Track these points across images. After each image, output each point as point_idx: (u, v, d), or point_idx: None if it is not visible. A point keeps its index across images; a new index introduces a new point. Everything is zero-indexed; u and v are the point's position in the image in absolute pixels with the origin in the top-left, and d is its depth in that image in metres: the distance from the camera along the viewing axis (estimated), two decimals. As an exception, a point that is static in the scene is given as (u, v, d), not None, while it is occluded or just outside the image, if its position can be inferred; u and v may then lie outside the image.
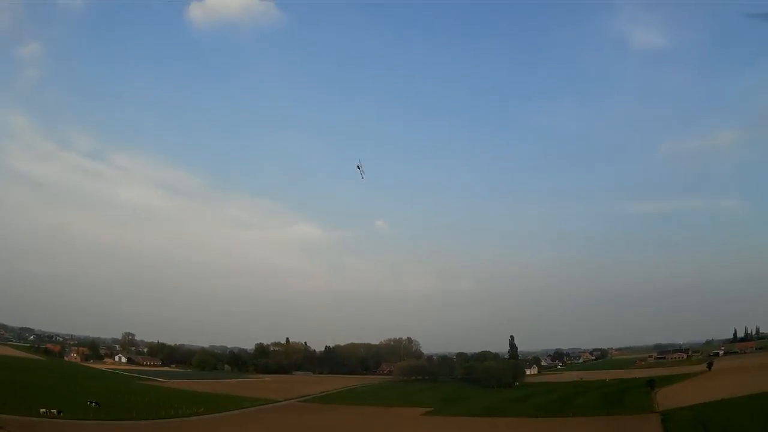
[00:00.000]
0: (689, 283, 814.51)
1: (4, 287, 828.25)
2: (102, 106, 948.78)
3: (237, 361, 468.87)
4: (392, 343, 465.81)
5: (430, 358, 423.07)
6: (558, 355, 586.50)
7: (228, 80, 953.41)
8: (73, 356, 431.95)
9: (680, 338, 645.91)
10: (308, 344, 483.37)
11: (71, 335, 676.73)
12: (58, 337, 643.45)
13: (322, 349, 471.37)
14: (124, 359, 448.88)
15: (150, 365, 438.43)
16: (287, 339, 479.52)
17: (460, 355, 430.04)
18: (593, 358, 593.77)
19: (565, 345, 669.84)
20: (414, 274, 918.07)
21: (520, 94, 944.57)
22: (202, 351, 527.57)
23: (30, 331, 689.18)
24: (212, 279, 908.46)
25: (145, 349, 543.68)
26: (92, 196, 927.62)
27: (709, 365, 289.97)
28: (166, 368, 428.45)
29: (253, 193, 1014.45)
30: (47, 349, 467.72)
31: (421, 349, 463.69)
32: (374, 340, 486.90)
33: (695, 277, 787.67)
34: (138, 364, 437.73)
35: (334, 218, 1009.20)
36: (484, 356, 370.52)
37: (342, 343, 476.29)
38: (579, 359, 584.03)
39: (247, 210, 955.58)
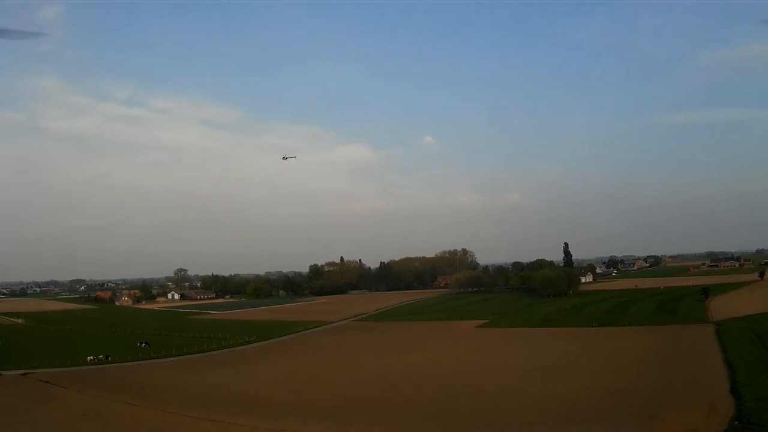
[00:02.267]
0: (740, 193, 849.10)
1: (51, 244, 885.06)
2: (134, 55, 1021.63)
3: (292, 286, 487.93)
4: (447, 255, 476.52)
5: (485, 268, 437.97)
6: (612, 262, 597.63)
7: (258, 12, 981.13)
8: (125, 300, 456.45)
9: (731, 247, 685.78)
10: (363, 262, 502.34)
11: (123, 280, 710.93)
12: (110, 284, 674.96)
13: (378, 265, 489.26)
14: (177, 296, 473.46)
15: (203, 299, 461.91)
16: (341, 258, 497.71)
17: (516, 264, 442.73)
18: (647, 265, 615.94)
19: (619, 252, 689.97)
20: (464, 188, 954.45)
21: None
22: (256, 278, 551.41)
23: (81, 282, 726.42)
24: (261, 208, 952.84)
25: (199, 284, 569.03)
26: (134, 142, 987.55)
27: (761, 274, 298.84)
28: (220, 300, 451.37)
29: (295, 120, 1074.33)
30: (97, 296, 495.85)
31: (477, 260, 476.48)
32: (429, 254, 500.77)
33: (743, 186, 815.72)
34: (191, 299, 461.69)
35: (381, 138, 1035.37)
36: (539, 265, 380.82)
37: (397, 259, 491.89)
38: (633, 266, 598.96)
39: (290, 137, 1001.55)
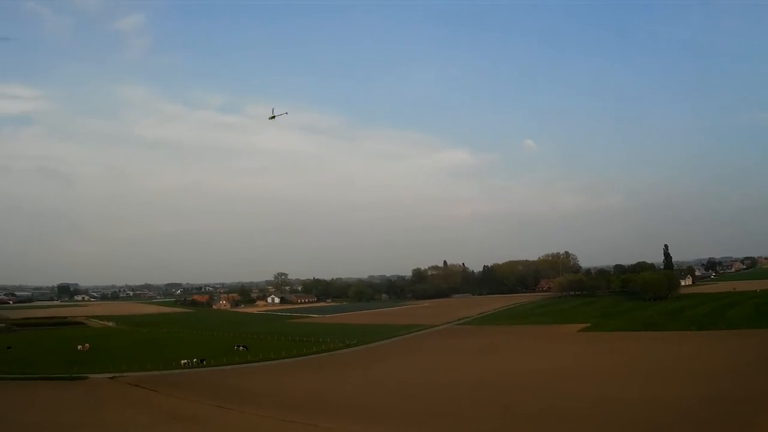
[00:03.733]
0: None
1: (147, 248, 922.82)
2: (227, 62, 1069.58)
3: (395, 289, 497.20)
4: (550, 258, 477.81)
5: (587, 272, 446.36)
6: (711, 264, 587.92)
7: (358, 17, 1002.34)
8: (222, 303, 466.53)
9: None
10: (466, 265, 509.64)
11: (222, 284, 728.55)
12: (207, 288, 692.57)
13: (481, 269, 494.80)
14: (277, 299, 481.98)
15: (304, 302, 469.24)
16: (444, 262, 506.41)
17: (617, 267, 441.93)
18: (744, 267, 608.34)
19: (717, 254, 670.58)
20: (566, 190, 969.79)
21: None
22: (358, 282, 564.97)
23: (177, 286, 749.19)
24: (363, 212, 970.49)
25: (300, 288, 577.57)
26: (230, 147, 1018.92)
27: None
28: (321, 304, 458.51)
29: (398, 125, 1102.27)
30: (194, 300, 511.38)
31: (579, 263, 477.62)
32: (532, 257, 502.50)
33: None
34: (292, 302, 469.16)
35: (482, 142, 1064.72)
36: (640, 267, 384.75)
37: (500, 262, 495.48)
38: (731, 268, 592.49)
39: (392, 142, 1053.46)
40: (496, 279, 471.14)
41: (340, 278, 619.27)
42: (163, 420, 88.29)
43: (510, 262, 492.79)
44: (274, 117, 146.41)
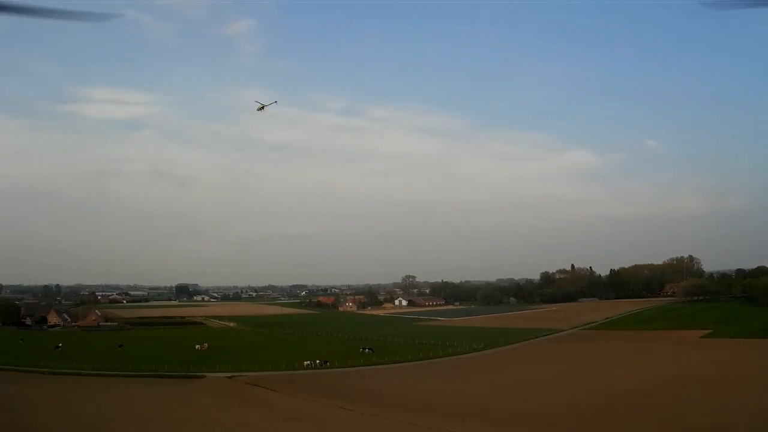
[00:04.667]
0: None
1: (271, 250, 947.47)
2: (345, 66, 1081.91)
3: (523, 293, 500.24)
4: (674, 262, 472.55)
5: (710, 276, 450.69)
6: None
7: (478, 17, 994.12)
8: (348, 305, 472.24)
9: None
10: (593, 269, 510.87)
11: (348, 286, 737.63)
12: (333, 290, 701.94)
13: (607, 273, 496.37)
14: (404, 302, 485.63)
15: (432, 305, 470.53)
16: (572, 265, 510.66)
17: (738, 271, 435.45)
18: None
19: None
20: (690, 192, 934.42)
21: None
22: (487, 285, 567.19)
23: (302, 287, 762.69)
24: (488, 215, 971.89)
25: (427, 290, 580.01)
26: (353, 151, 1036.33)
27: None
28: (449, 307, 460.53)
29: (520, 126, 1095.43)
30: (319, 302, 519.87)
31: (702, 267, 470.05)
32: (657, 260, 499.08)
33: None
34: (419, 305, 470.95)
35: (605, 143, 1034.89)
36: (759, 272, 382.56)
37: (626, 266, 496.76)
38: None
39: (515, 143, 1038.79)
40: (622, 283, 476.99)
41: (468, 281, 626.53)
42: (281, 419, 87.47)
43: (636, 266, 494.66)
44: (263, 107, 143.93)
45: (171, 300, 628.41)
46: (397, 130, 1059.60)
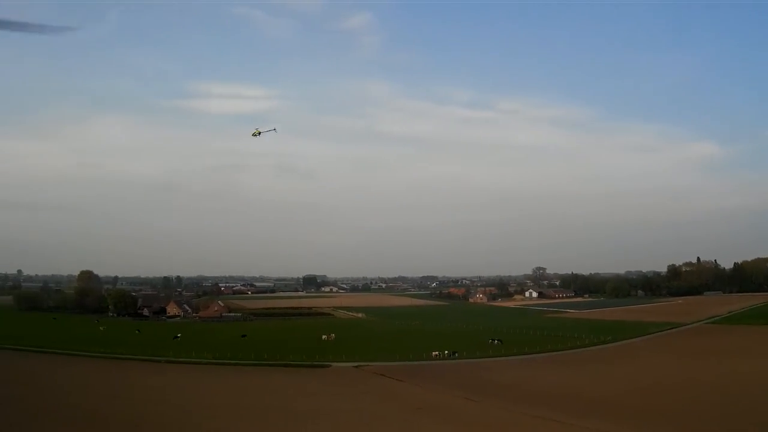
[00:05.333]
0: None
1: (401, 242, 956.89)
2: (469, 58, 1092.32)
3: (650, 285, 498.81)
4: None
5: None
6: None
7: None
8: (479, 297, 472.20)
9: None
10: (718, 262, 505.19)
11: (479, 277, 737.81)
12: (464, 281, 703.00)
13: (731, 266, 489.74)
14: (534, 294, 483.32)
15: (562, 297, 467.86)
16: (698, 258, 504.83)
17: None
18: None
19: None
20: None
21: None
22: (615, 278, 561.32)
23: (432, 279, 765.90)
24: (614, 207, 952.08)
25: (557, 282, 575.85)
26: (481, 143, 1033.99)
27: None
28: (578, 299, 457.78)
29: (646, 118, 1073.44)
30: (450, 293, 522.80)
31: None
32: None
33: None
34: (549, 297, 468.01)
35: (729, 133, 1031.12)
36: None
37: (749, 259, 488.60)
38: None
39: (640, 134, 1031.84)
40: (745, 276, 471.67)
41: (597, 273, 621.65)
42: (406, 409, 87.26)
43: (758, 259, 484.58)
44: (259, 133, 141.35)
45: (298, 291, 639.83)
46: (524, 122, 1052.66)
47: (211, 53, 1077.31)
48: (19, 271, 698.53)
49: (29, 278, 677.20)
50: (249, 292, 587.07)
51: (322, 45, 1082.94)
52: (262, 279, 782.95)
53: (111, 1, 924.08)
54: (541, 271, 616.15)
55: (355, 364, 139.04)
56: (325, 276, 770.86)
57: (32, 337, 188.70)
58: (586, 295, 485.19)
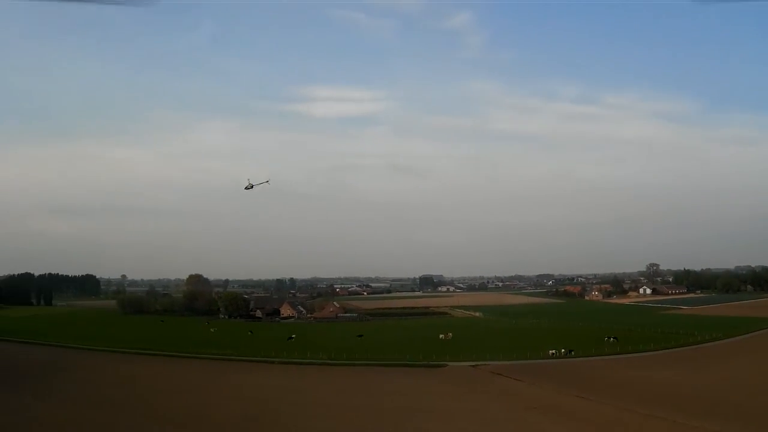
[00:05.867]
0: None
1: (516, 240, 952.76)
2: (573, 54, 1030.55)
3: (759, 281, 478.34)
4: None
5: None
6: None
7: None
8: (594, 294, 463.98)
9: None
10: None
11: (594, 275, 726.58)
12: (579, 279, 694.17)
13: None
14: (648, 291, 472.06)
15: (674, 294, 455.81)
16: None
17: None
18: None
19: None
20: None
21: None
22: (725, 273, 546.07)
23: (548, 277, 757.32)
24: (724, 200, 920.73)
25: (670, 278, 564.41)
26: (589, 138, 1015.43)
27: None
28: (690, 295, 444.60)
29: (752, 109, 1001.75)
30: (566, 291, 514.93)
31: None
32: None
33: None
34: (662, 293, 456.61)
35: None
36: None
37: None
38: None
39: (747, 126, 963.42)
40: None
41: (709, 269, 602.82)
42: (522, 408, 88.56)
43: None
44: (251, 186, 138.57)
45: (414, 291, 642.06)
46: (630, 116, 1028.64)
47: (313, 57, 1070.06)
48: (123, 276, 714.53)
49: (134, 283, 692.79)
50: (365, 293, 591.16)
51: (424, 45, 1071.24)
52: (377, 280, 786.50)
53: (205, 8, 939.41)
54: (654, 268, 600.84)
55: (472, 363, 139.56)
56: (441, 276, 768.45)
57: (140, 340, 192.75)
58: (698, 291, 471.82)
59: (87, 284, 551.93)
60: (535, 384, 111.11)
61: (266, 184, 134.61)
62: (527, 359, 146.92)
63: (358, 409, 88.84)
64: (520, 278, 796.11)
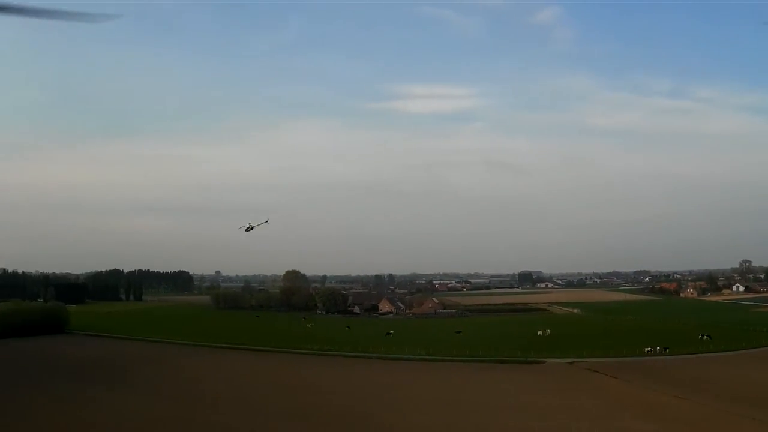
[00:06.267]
0: None
1: (613, 236, 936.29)
2: (664, 48, 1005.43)
3: None
4: None
5: None
6: None
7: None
8: (689, 291, 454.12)
9: None
10: None
11: (689, 271, 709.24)
12: (675, 275, 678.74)
13: None
14: (741, 288, 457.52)
15: (766, 291, 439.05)
16: None
17: None
18: None
19: None
20: None
21: None
22: None
23: (645, 273, 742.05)
24: None
25: (762, 276, 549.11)
26: (683, 133, 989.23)
27: None
28: None
29: None
30: (661, 288, 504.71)
31: None
32: None
33: None
34: (755, 291, 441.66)
35: None
36: None
37: None
38: None
39: None
40: None
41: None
42: (616, 406, 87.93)
43: None
44: (251, 228, 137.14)
45: (513, 287, 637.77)
46: (723, 110, 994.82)
47: (404, 55, 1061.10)
48: (217, 272, 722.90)
49: (228, 279, 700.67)
50: (464, 289, 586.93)
51: (514, 40, 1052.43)
52: (476, 276, 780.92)
53: (293, 8, 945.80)
54: (747, 264, 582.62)
55: (570, 360, 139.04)
56: (540, 272, 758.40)
57: (236, 335, 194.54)
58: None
59: (179, 280, 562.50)
60: (630, 381, 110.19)
61: (265, 224, 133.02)
62: (623, 356, 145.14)
63: (455, 405, 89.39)
64: (617, 274, 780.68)
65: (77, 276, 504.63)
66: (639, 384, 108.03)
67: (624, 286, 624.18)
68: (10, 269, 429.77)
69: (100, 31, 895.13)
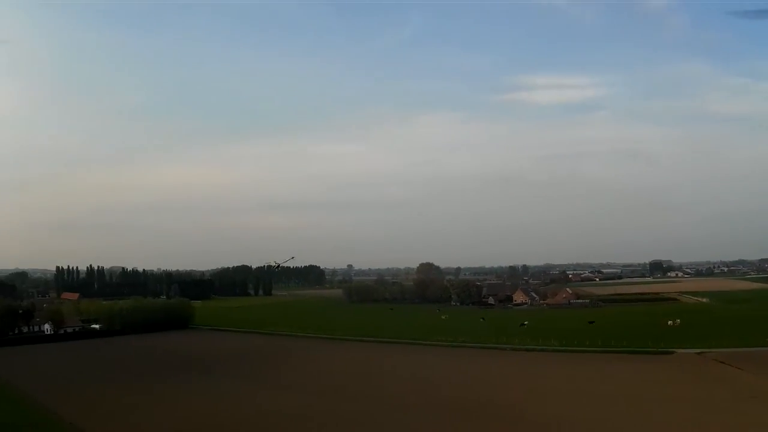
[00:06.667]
0: None
1: (739, 224, 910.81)
2: None
3: None
4: None
5: None
6: None
7: None
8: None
9: None
10: None
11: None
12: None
13: None
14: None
15: None
16: None
17: None
18: None
19: None
20: None
21: None
22: None
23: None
24: None
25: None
26: None
27: None
28: None
29: None
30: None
31: None
32: None
33: None
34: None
35: None
36: None
37: None
38: None
39: None
40: None
41: None
42: (743, 398, 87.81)
43: None
44: (278, 266, 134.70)
45: (644, 276, 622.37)
46: None
47: (523, 46, 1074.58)
48: (350, 266, 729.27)
49: (360, 272, 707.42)
50: (597, 279, 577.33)
51: (630, 28, 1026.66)
52: (608, 265, 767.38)
53: (413, 5, 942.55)
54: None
55: (698, 350, 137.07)
56: (670, 261, 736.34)
57: (372, 328, 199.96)
58: None
59: (311, 274, 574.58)
60: (757, 373, 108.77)
61: (291, 260, 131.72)
62: (751, 347, 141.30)
63: (587, 395, 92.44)
64: (743, 263, 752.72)
65: (202, 273, 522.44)
66: (766, 375, 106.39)
67: (750, 274, 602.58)
68: (129, 268, 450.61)
69: (222, 37, 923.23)
